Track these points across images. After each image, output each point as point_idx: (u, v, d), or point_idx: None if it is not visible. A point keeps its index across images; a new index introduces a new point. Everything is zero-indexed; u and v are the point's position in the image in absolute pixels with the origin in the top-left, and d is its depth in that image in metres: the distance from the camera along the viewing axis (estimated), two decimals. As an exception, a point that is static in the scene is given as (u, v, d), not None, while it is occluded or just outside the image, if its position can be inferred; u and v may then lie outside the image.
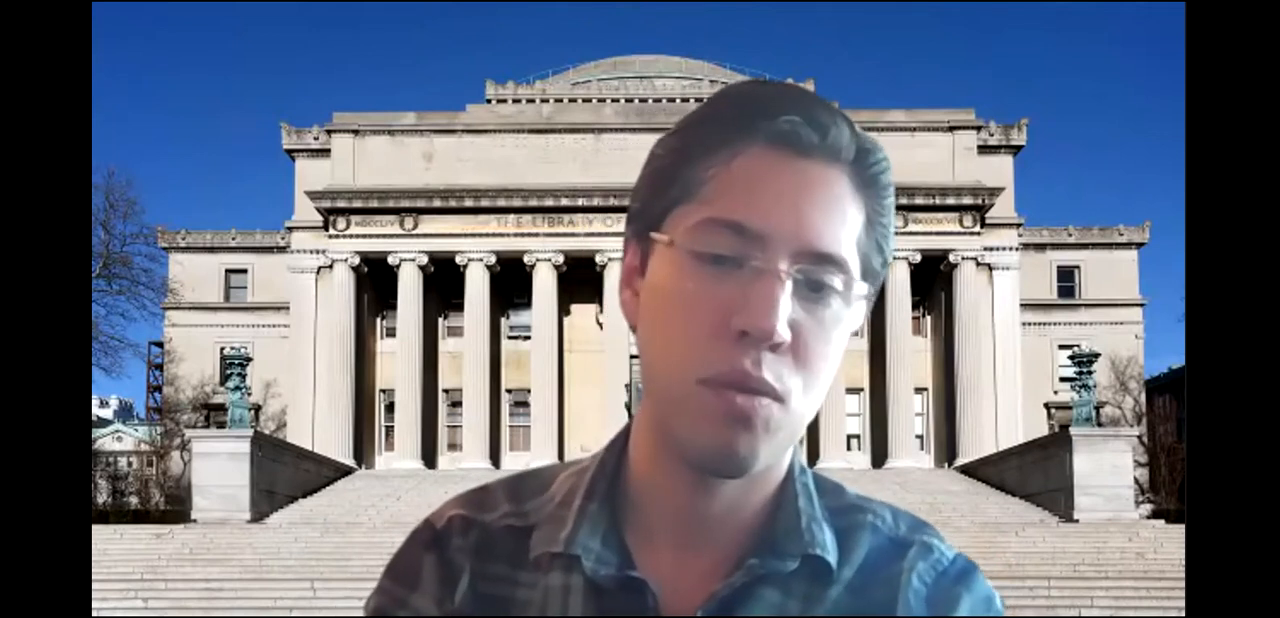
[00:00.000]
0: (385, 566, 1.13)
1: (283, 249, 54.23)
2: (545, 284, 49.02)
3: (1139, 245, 60.38)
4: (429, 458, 49.30)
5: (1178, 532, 28.65)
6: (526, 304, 50.22)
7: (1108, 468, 32.98)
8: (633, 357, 47.87)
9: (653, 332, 1.02)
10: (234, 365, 36.56)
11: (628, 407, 46.79)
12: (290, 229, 51.67)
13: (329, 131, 50.47)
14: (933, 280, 50.24)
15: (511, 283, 50.40)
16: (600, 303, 49.42)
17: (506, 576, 1.07)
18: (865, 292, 1.02)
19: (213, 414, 51.26)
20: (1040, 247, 58.37)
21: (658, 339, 1.02)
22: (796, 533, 1.05)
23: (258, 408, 49.53)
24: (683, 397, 0.99)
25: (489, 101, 58.42)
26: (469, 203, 48.86)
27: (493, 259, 49.13)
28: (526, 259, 49.04)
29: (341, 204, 49.01)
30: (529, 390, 49.52)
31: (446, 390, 51.12)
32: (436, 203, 48.87)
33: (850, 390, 50.14)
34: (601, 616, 1.03)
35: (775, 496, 1.08)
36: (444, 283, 50.20)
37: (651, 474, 1.07)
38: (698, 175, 1.01)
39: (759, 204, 0.98)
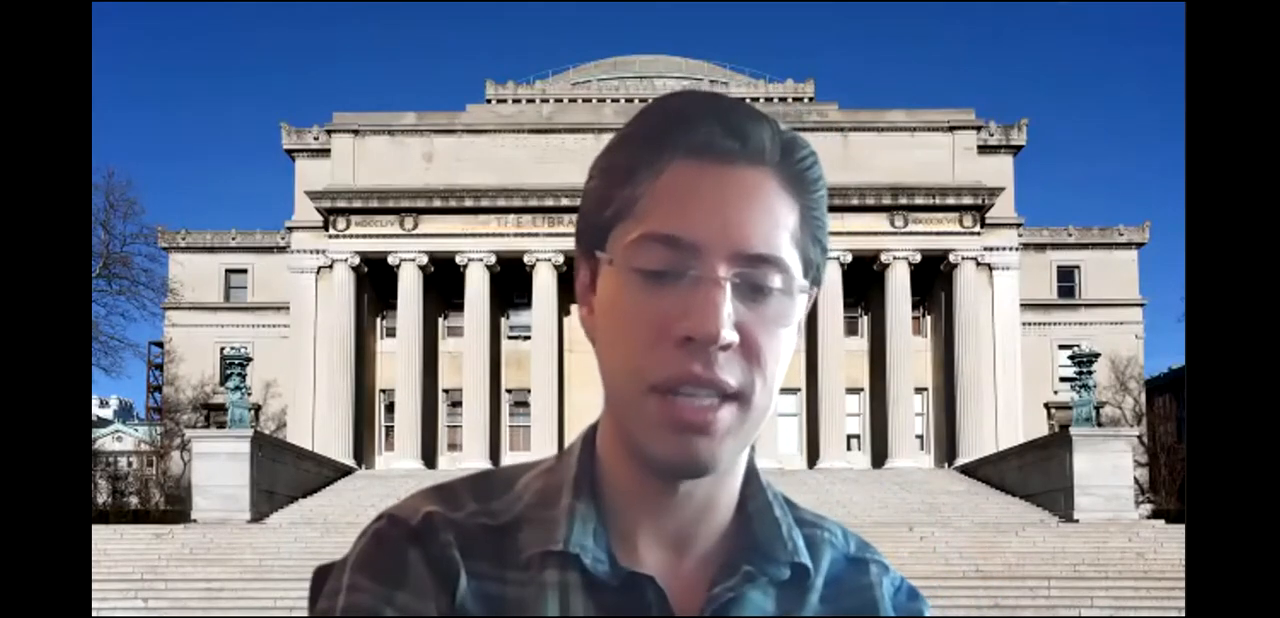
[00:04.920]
0: (352, 563, 1.09)
1: (283, 249, 54.23)
2: (545, 284, 49.02)
3: (1139, 245, 60.40)
4: (429, 458, 49.30)
5: (1178, 532, 28.64)
6: (526, 304, 50.22)
7: (1108, 468, 32.98)
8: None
9: (605, 345, 1.07)
10: (234, 365, 36.55)
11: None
12: (290, 229, 51.67)
13: (329, 131, 50.47)
14: (933, 280, 50.22)
15: (511, 283, 50.40)
16: (600, 303, 49.36)
17: (494, 574, 1.06)
18: (806, 286, 1.05)
19: (213, 414, 51.26)
20: (1040, 247, 58.37)
21: (609, 352, 1.06)
22: (781, 540, 1.09)
23: (258, 408, 49.52)
24: (636, 405, 1.02)
25: (489, 101, 58.43)
26: (469, 203, 48.86)
27: (493, 259, 49.13)
28: (526, 259, 49.04)
29: (341, 204, 49.01)
30: (529, 390, 49.52)
31: (446, 390, 51.13)
32: (436, 203, 48.87)
33: (850, 391, 50.10)
34: (610, 612, 1.05)
35: (744, 496, 1.12)
36: (444, 283, 50.21)
37: (622, 479, 1.09)
38: (630, 193, 1.04)
39: (689, 215, 1.02)
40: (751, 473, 1.13)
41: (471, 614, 1.04)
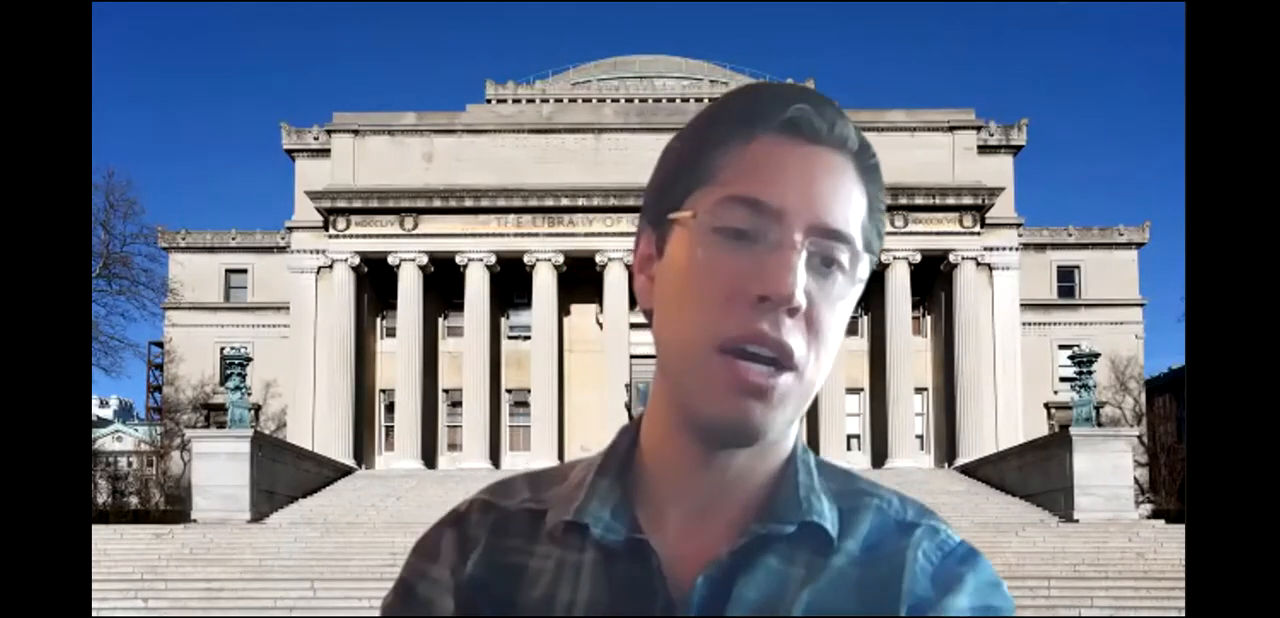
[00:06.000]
0: (413, 545, 1.24)
1: (283, 249, 54.20)
2: (545, 284, 49.00)
3: (1139, 245, 60.37)
4: (429, 458, 49.28)
5: (1178, 532, 28.63)
6: (526, 304, 50.20)
7: (1108, 468, 32.94)
8: (633, 357, 47.88)
9: (669, 304, 1.09)
10: (234, 365, 36.52)
11: (628, 407, 46.75)
12: (290, 229, 51.64)
13: (329, 131, 50.44)
14: (933, 280, 50.21)
15: (511, 283, 50.38)
16: (600, 303, 49.39)
17: (521, 548, 1.15)
18: (864, 276, 1.10)
19: (213, 414, 51.25)
20: (1040, 247, 58.35)
21: (674, 311, 1.08)
22: (795, 501, 1.11)
23: (258, 408, 49.49)
24: (699, 364, 1.05)
25: (489, 101, 58.40)
26: (469, 203, 48.84)
27: (493, 259, 49.11)
28: (526, 259, 49.01)
29: (341, 204, 48.98)
30: (529, 390, 49.49)
31: (446, 390, 51.10)
32: (436, 203, 48.84)
33: (850, 391, 50.09)
34: (610, 579, 1.10)
35: (778, 469, 1.15)
36: (444, 283, 50.18)
37: (663, 450, 1.13)
38: (714, 162, 1.09)
39: (775, 183, 1.06)
40: (793, 452, 1.15)
41: (479, 581, 1.15)
